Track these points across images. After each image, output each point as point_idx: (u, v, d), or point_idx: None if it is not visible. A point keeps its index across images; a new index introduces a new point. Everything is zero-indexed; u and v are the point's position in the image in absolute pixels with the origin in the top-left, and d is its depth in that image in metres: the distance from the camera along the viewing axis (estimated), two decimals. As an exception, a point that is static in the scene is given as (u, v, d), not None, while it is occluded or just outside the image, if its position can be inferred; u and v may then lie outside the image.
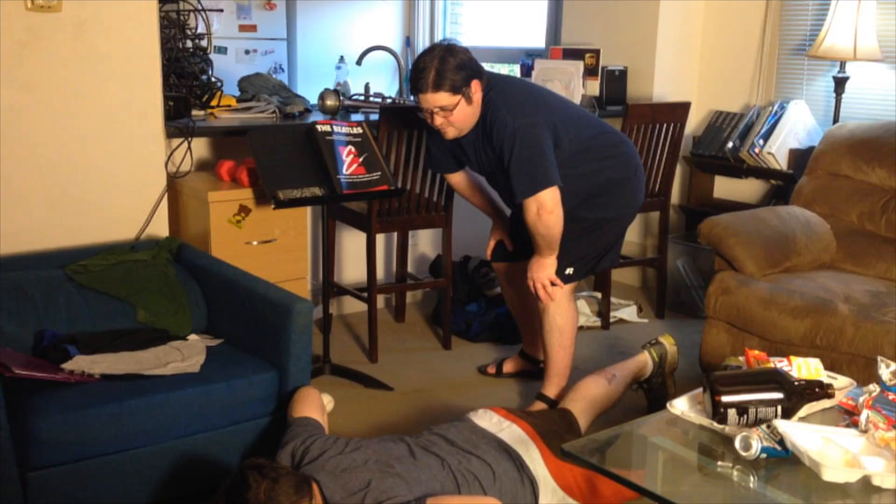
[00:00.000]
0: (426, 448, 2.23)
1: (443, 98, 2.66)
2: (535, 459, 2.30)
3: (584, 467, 2.16)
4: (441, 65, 2.64)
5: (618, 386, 2.74)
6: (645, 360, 2.89)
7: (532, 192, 2.68)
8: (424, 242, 4.19)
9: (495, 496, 2.17)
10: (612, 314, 3.96)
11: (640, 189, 2.98)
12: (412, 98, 2.99)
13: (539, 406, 2.95)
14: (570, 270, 2.88)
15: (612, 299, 3.99)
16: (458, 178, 3.14)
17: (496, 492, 2.19)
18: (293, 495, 1.93)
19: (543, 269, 2.84)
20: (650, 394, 2.93)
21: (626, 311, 4.04)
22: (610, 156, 2.88)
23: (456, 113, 2.69)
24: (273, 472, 1.95)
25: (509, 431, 2.35)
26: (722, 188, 4.33)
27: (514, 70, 5.29)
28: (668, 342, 2.94)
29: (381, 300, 4.05)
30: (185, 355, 2.47)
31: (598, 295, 3.97)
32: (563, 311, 2.93)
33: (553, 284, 2.86)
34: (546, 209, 2.69)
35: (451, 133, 2.78)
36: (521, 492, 2.25)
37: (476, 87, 2.69)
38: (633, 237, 4.49)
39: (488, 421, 2.40)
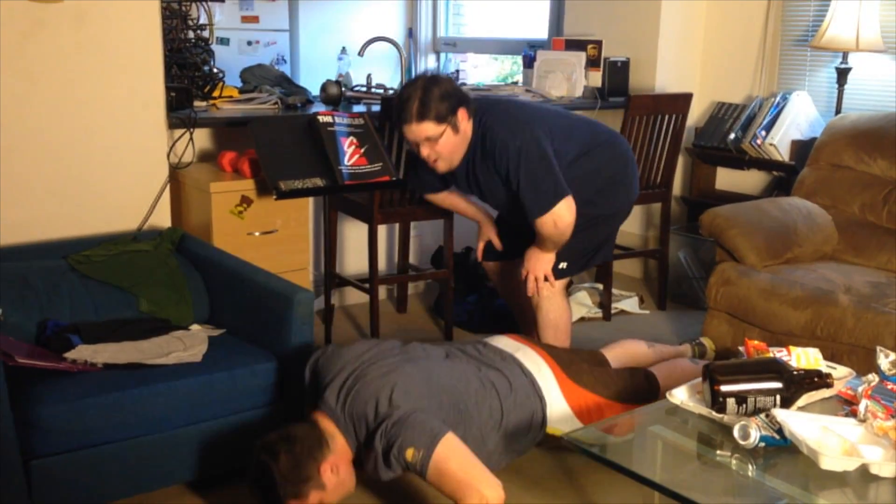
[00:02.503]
0: (450, 355, 2.41)
1: (428, 128, 2.63)
2: (546, 378, 2.44)
3: (594, 393, 2.46)
4: (425, 95, 2.61)
5: (655, 351, 2.85)
6: (686, 350, 2.96)
7: (548, 208, 2.69)
8: (426, 234, 4.20)
9: (510, 406, 2.33)
10: (613, 305, 3.97)
11: (634, 185, 2.99)
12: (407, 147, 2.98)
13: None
14: (563, 265, 2.89)
15: (614, 291, 4.00)
16: (440, 196, 3.15)
17: (511, 402, 2.34)
18: (313, 450, 2.06)
19: (540, 262, 2.84)
20: None
21: (628, 303, 4.05)
22: (605, 156, 2.89)
23: (442, 143, 2.66)
24: (284, 441, 2.05)
25: (524, 352, 2.51)
26: (724, 179, 4.32)
27: (517, 61, 5.28)
28: (709, 345, 3.06)
29: (383, 291, 4.05)
30: (188, 345, 2.47)
31: (600, 286, 3.98)
32: (556, 306, 2.94)
33: (545, 279, 2.87)
34: (563, 221, 2.71)
35: (441, 167, 2.76)
36: (534, 406, 2.39)
37: (463, 116, 2.66)
38: (635, 228, 4.50)
39: (505, 343, 2.56)
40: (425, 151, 2.70)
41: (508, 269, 3.15)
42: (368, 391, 2.14)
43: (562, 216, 2.69)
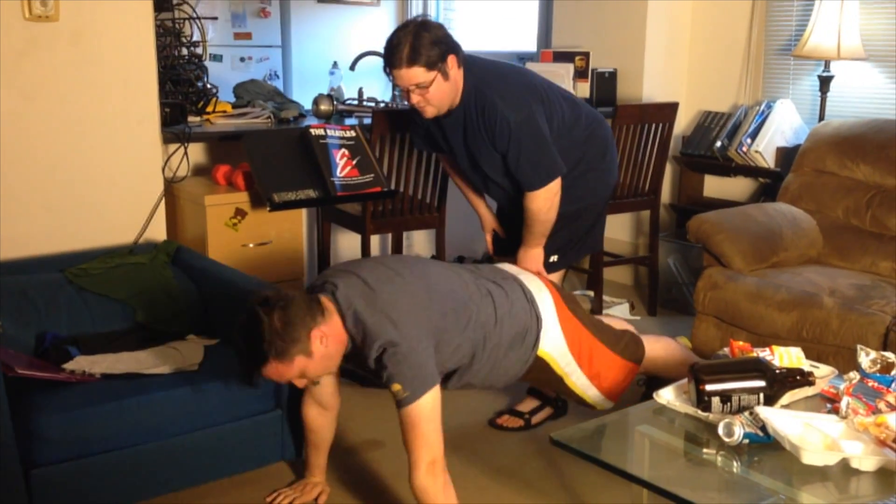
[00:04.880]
0: (450, 267, 2.43)
1: (418, 74, 2.58)
2: (544, 301, 2.46)
3: (587, 330, 2.48)
4: (415, 40, 2.56)
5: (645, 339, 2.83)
6: None
7: (544, 182, 2.70)
8: (419, 243, 4.25)
9: (504, 315, 2.34)
10: (604, 312, 4.01)
11: (613, 172, 3.01)
12: (397, 92, 2.97)
13: (532, 401, 2.99)
14: (554, 258, 2.92)
15: (605, 297, 4.05)
16: (445, 163, 3.12)
17: (506, 311, 2.36)
18: (306, 315, 2.05)
19: (532, 260, 2.87)
20: (650, 390, 2.97)
21: (619, 309, 4.10)
22: (587, 133, 2.88)
23: (432, 90, 2.61)
24: (281, 300, 2.05)
25: (526, 276, 2.54)
26: (711, 187, 4.39)
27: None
28: (685, 344, 3.05)
29: (376, 301, 4.09)
30: (184, 355, 2.52)
31: (591, 293, 4.02)
32: None
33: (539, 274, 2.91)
34: (553, 193, 2.72)
35: (429, 111, 2.69)
36: (529, 323, 2.40)
37: (452, 63, 2.62)
38: (625, 236, 4.55)
39: (508, 266, 2.60)
40: (415, 98, 2.65)
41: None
42: (377, 299, 2.12)
43: (553, 190, 2.72)
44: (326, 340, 2.09)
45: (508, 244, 3.13)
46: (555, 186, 2.72)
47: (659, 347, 2.69)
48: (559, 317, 2.45)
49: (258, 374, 2.07)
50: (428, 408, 2.08)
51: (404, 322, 2.11)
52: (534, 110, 2.69)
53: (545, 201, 2.73)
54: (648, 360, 2.62)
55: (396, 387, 2.07)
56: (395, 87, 2.79)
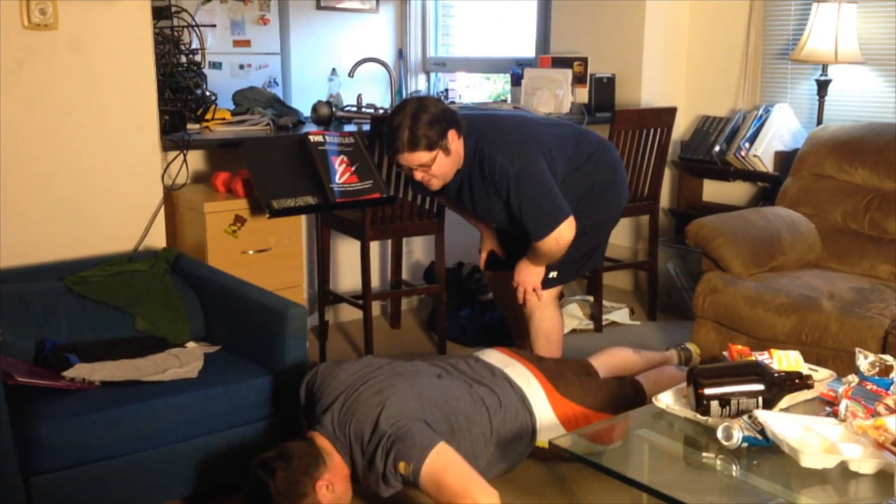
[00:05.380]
0: (441, 374, 2.45)
1: (420, 157, 2.66)
2: (535, 392, 2.49)
3: (581, 406, 2.52)
4: (413, 123, 2.61)
5: (642, 357, 2.87)
6: (672, 356, 2.99)
7: (551, 230, 2.73)
8: (418, 249, 4.25)
9: (500, 422, 2.37)
10: (604, 317, 4.02)
11: (623, 192, 3.03)
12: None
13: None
14: (554, 274, 2.94)
15: (605, 302, 4.05)
16: (444, 199, 3.19)
17: (501, 418, 2.38)
18: (309, 467, 2.08)
19: (531, 274, 2.89)
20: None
21: (619, 314, 4.10)
22: (593, 164, 2.93)
23: (435, 167, 2.69)
24: (280, 459, 2.07)
25: (514, 367, 2.56)
26: (710, 191, 4.39)
27: (506, 79, 5.36)
28: (694, 350, 3.08)
29: (376, 307, 4.10)
30: (184, 362, 2.52)
31: (591, 298, 4.03)
32: (548, 316, 2.99)
33: (534, 290, 2.92)
34: (565, 239, 2.76)
35: (435, 184, 2.79)
36: (524, 421, 2.43)
37: (453, 137, 2.68)
38: (624, 241, 4.56)
39: (495, 358, 2.60)
40: (419, 175, 2.73)
41: (507, 279, 3.20)
42: (363, 410, 2.18)
43: (564, 235, 2.74)
44: (333, 486, 2.13)
45: (503, 263, 3.16)
46: (563, 230, 2.74)
47: (660, 386, 2.67)
48: (551, 404, 2.49)
49: None
50: (439, 463, 2.06)
51: (390, 406, 2.15)
52: (533, 158, 2.73)
53: (555, 244, 2.77)
54: (650, 393, 2.61)
55: (402, 466, 2.06)
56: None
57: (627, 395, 2.61)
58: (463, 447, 2.26)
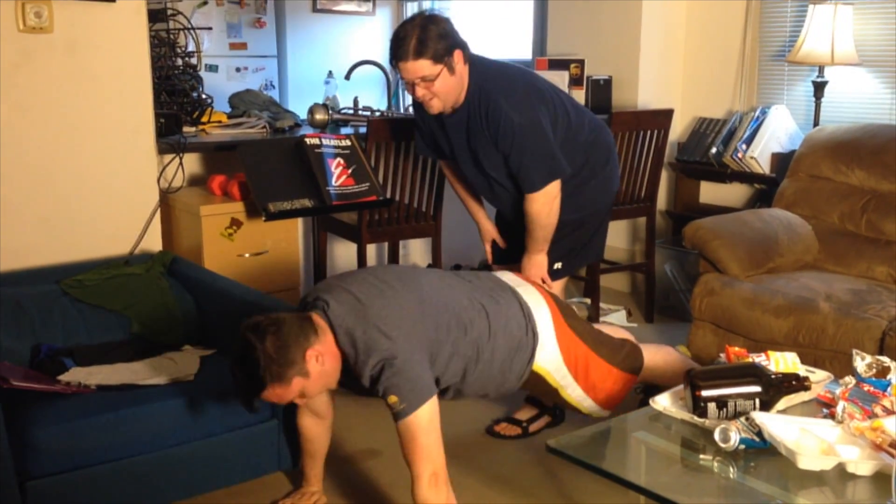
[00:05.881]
0: (444, 277, 2.39)
1: (424, 67, 2.57)
2: (542, 316, 2.42)
3: (585, 344, 2.45)
4: (422, 33, 2.55)
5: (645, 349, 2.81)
6: None
7: (545, 182, 2.69)
8: (415, 252, 4.25)
9: (499, 330, 2.31)
10: (602, 319, 4.01)
11: (615, 178, 3.01)
12: (393, 101, 2.94)
13: (530, 410, 2.99)
14: (558, 265, 2.92)
15: (602, 305, 4.05)
16: (447, 171, 3.11)
17: (500, 326, 2.32)
18: (299, 336, 2.04)
19: (536, 267, 2.87)
20: (647, 398, 2.96)
21: (616, 316, 4.10)
22: (591, 141, 2.88)
23: (438, 83, 2.60)
24: (271, 324, 2.03)
25: (525, 288, 2.48)
26: (707, 193, 4.39)
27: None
28: (685, 353, 3.04)
29: (373, 310, 4.09)
30: (180, 365, 2.52)
31: (588, 300, 4.02)
32: None
33: (543, 281, 2.91)
34: (552, 196, 2.72)
35: (435, 105, 2.68)
36: (525, 339, 2.37)
37: (459, 58, 2.62)
38: (622, 243, 4.56)
39: (507, 277, 2.54)
40: (420, 91, 2.63)
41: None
42: (369, 314, 2.11)
43: (552, 193, 2.71)
44: (322, 359, 2.08)
45: (508, 254, 3.13)
46: (554, 189, 2.72)
47: (659, 357, 2.68)
48: (556, 332, 2.43)
49: (258, 400, 2.07)
50: (426, 419, 2.06)
51: (397, 335, 2.10)
52: (538, 113, 2.68)
53: (544, 205, 2.73)
54: (647, 369, 2.61)
55: (393, 399, 2.05)
56: (395, 87, 2.77)
57: (628, 352, 2.57)
58: (460, 350, 2.23)
